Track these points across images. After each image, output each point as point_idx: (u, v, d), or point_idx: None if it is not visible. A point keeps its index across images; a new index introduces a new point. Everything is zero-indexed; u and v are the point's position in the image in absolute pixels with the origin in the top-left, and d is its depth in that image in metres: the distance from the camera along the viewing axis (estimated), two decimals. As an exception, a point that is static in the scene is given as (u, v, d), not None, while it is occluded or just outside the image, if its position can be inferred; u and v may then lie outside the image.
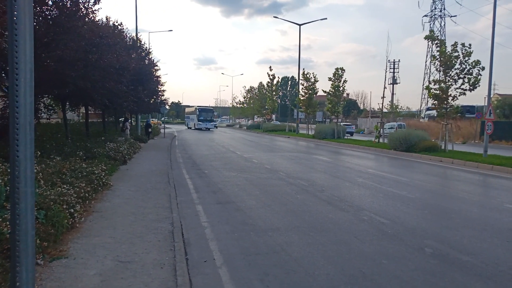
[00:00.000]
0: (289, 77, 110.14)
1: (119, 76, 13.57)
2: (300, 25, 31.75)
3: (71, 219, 5.89)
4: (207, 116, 56.41)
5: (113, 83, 12.93)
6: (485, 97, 27.88)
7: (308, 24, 29.57)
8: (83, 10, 10.05)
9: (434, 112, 29.02)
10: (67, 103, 16.75)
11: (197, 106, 58.77)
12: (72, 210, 6.00)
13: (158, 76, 27.20)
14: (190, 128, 59.70)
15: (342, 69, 29.84)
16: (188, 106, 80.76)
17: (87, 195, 7.32)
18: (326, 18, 33.56)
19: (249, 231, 6.35)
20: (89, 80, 11.07)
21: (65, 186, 6.97)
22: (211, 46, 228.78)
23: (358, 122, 61.71)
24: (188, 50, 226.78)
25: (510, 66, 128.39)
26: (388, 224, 6.85)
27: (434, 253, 5.42)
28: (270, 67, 54.57)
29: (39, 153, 9.44)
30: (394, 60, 67.43)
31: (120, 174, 11.49)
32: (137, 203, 7.92)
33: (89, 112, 19.83)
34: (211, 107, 67.13)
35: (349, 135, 37.35)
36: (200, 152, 20.51)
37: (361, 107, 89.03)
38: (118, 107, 20.03)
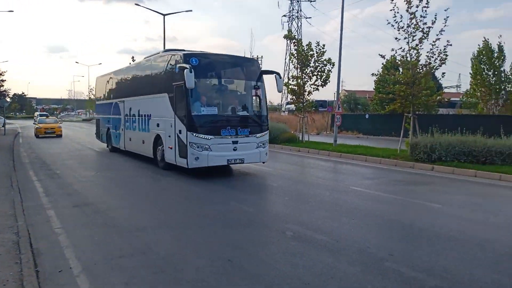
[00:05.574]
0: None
1: None
2: (164, 15, 30.82)
3: None
4: (227, 98, 11.14)
5: None
6: (334, 93, 31.43)
7: (173, 15, 28.92)
8: None
9: (292, 106, 31.54)
10: None
11: (178, 51, 11.15)
12: None
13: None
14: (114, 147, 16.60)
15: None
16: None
17: None
18: (191, 10, 33.61)
19: (111, 234, 5.89)
20: None
21: None
22: (63, 32, 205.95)
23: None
24: (35, 36, 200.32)
25: (354, 65, 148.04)
26: (254, 212, 7.15)
27: (294, 235, 5.85)
28: (133, 57, 47.99)
29: None
30: (257, 56, 70.95)
31: None
32: (-31, 213, 6.63)
33: None
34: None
35: None
36: (50, 150, 18.07)
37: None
38: None
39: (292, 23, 79.30)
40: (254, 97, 11.43)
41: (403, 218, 6.97)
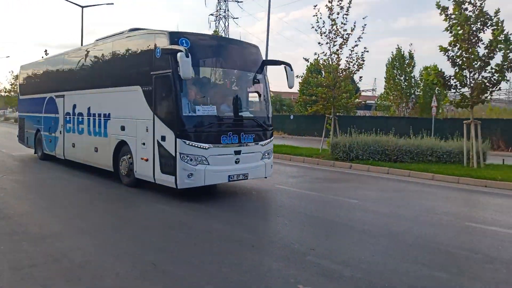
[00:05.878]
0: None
1: None
2: (82, 7, 28.96)
3: None
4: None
5: None
6: (260, 94, 32.02)
7: (93, 8, 27.03)
8: None
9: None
10: None
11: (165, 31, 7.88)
12: None
13: None
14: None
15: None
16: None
17: None
18: (112, 3, 31.65)
19: (21, 241, 5.37)
20: None
21: None
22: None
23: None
24: None
25: (280, 67, 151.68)
26: (178, 214, 7.03)
27: (220, 234, 5.84)
28: (46, 50, 44.32)
29: None
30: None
31: None
32: None
33: None
34: None
35: None
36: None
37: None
38: None
39: (219, 22, 79.15)
40: (257, 93, 9.00)
41: (325, 214, 7.32)
